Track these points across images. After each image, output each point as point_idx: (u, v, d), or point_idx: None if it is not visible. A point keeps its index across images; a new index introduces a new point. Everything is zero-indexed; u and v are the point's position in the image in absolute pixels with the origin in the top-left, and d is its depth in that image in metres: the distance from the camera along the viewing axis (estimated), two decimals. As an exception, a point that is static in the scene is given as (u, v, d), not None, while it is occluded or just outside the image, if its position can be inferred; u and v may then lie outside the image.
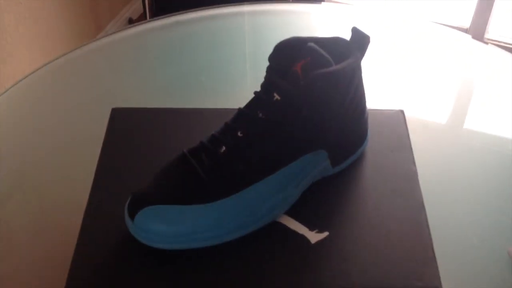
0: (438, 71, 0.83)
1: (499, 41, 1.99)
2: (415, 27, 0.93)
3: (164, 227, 0.49)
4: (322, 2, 1.06)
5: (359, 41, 0.54)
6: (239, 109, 0.53)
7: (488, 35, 2.01)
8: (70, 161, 0.67)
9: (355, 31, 0.55)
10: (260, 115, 0.51)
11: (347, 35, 0.55)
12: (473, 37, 0.91)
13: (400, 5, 2.21)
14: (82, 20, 1.87)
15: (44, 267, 0.52)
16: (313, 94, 0.51)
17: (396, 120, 0.63)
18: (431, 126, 0.73)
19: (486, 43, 0.91)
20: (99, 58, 0.87)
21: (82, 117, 0.74)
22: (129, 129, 0.62)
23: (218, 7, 0.96)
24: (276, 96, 0.51)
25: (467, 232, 0.60)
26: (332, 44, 0.54)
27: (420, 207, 0.55)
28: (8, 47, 1.53)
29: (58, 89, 0.81)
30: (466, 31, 2.00)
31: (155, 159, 0.57)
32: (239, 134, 0.51)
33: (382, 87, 0.79)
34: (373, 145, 0.61)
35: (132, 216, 0.50)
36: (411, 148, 0.60)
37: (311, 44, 0.51)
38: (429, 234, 0.52)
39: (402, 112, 0.65)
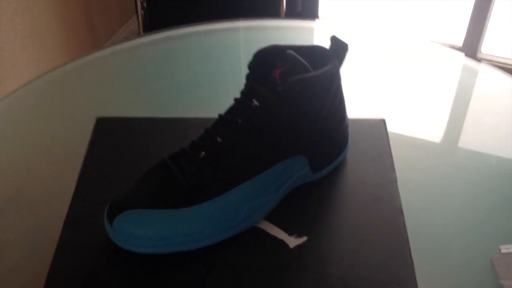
0: (428, 86, 0.84)
1: (492, 61, 2.01)
2: (407, 44, 0.94)
3: (143, 231, 0.49)
4: (316, 19, 1.08)
5: (338, 49, 0.55)
6: (219, 115, 0.54)
7: (480, 54, 2.03)
8: (63, 173, 0.67)
9: (334, 39, 0.56)
10: (240, 121, 0.52)
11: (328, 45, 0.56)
12: (466, 55, 0.92)
13: (393, 24, 2.24)
14: (79, 40, 1.89)
15: (40, 283, 0.52)
16: (291, 100, 0.51)
17: (378, 129, 0.64)
18: (416, 137, 0.74)
19: (479, 61, 0.92)
20: (91, 72, 0.88)
21: (74, 130, 0.75)
22: (113, 138, 0.63)
23: (212, 22, 0.97)
24: (255, 102, 0.52)
25: (448, 239, 0.60)
26: (311, 52, 0.55)
27: (398, 213, 0.55)
28: (5, 66, 1.55)
29: (50, 102, 0.82)
30: (459, 50, 2.02)
31: (138, 167, 0.57)
32: (218, 139, 0.52)
33: (372, 102, 0.80)
34: (354, 153, 0.61)
35: (111, 221, 0.50)
36: (391, 156, 0.61)
37: (290, 51, 0.52)
38: (407, 239, 0.53)
39: (383, 121, 0.65)
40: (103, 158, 0.61)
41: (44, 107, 0.81)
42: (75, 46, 1.86)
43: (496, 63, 1.99)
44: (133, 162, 0.60)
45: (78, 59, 0.90)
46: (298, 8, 1.84)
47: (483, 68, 0.89)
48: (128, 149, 0.62)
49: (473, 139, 0.74)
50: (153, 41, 0.94)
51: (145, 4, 1.32)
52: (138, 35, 0.98)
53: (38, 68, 1.68)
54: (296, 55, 0.52)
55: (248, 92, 0.53)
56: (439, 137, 0.75)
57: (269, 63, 0.53)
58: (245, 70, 0.54)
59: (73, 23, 1.83)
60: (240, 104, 0.53)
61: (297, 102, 0.52)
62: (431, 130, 0.75)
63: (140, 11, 1.31)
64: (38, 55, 1.68)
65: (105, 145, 0.62)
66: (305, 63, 0.52)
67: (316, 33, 1.00)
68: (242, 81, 0.54)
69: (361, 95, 0.81)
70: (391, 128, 0.67)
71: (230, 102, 0.55)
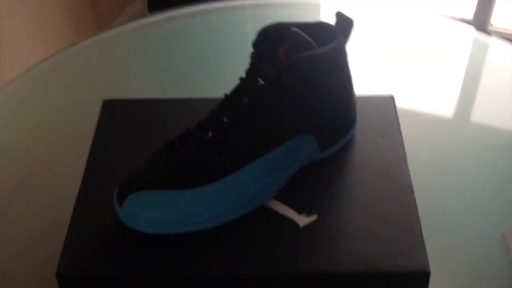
0: (438, 61, 0.83)
1: (503, 33, 1.98)
2: (418, 18, 0.93)
3: (152, 212, 0.50)
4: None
5: (343, 25, 0.54)
6: (225, 95, 0.53)
7: (491, 27, 2.00)
8: (72, 156, 0.67)
9: (339, 15, 0.55)
10: (245, 100, 0.52)
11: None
12: (476, 29, 0.90)
13: (407, 4, 2.21)
14: (84, 24, 1.88)
15: (53, 264, 0.53)
16: (296, 78, 0.51)
17: (386, 105, 0.64)
18: (426, 112, 0.73)
19: (489, 34, 0.90)
20: (96, 54, 0.88)
21: (81, 112, 0.75)
22: (120, 120, 0.63)
23: (218, 0, 0.96)
24: (260, 81, 0.52)
25: (458, 214, 0.60)
26: (316, 29, 0.54)
27: (408, 189, 0.55)
28: (10, 50, 1.55)
29: (56, 85, 0.82)
30: (469, 23, 1.99)
31: (145, 148, 0.57)
32: (225, 119, 0.52)
33: (381, 78, 0.79)
34: (362, 130, 0.61)
35: (120, 202, 0.50)
36: (400, 132, 0.60)
37: (294, 28, 0.51)
38: (417, 215, 0.53)
39: (392, 97, 0.65)
40: (111, 140, 0.61)
41: (50, 91, 0.81)
42: (79, 29, 1.85)
43: (508, 36, 1.96)
44: (140, 144, 0.60)
45: (83, 41, 0.90)
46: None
47: (493, 42, 0.88)
48: (136, 131, 0.62)
49: (483, 113, 0.73)
50: (158, 21, 0.94)
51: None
52: (143, 15, 0.97)
53: (42, 53, 1.68)
54: (301, 32, 0.51)
55: (253, 71, 0.52)
56: (449, 112, 0.74)
57: (273, 41, 0.52)
58: (248, 50, 0.54)
59: (77, 6, 1.83)
60: (245, 84, 0.52)
61: (302, 80, 0.51)
62: (441, 106, 0.74)
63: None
64: (42, 38, 1.68)
65: (113, 127, 0.62)
66: (310, 40, 0.51)
67: (324, 10, 0.98)
68: (247, 62, 0.54)
69: (370, 72, 0.80)
70: (400, 104, 0.66)
71: (237, 82, 0.55)
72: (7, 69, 1.55)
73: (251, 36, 0.88)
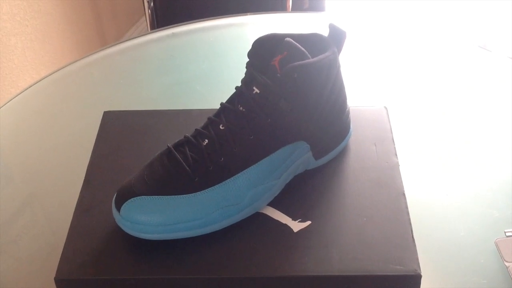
0: (432, 72, 0.84)
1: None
2: (411, 29, 0.94)
3: (149, 217, 0.51)
4: (323, 13, 1.08)
5: (336, 36, 0.56)
6: (221, 103, 0.55)
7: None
8: (75, 169, 0.68)
9: (332, 27, 0.57)
10: (241, 108, 0.53)
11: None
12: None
13: (402, 17, 2.23)
14: (88, 42, 1.91)
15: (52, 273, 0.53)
16: (290, 86, 0.52)
17: (380, 116, 0.65)
18: (419, 123, 0.75)
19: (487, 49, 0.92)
20: (99, 69, 0.90)
21: (84, 126, 0.76)
22: (119, 130, 0.65)
23: (218, 18, 0.99)
24: (256, 90, 0.53)
25: (452, 222, 0.61)
26: (309, 40, 0.56)
27: (400, 195, 0.56)
28: (16, 69, 1.58)
29: (59, 100, 0.84)
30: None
31: (144, 157, 0.58)
32: (221, 127, 0.53)
33: (377, 91, 0.81)
34: (357, 139, 0.62)
35: (118, 207, 0.51)
36: (393, 141, 0.62)
37: (288, 39, 0.53)
38: (409, 221, 0.53)
39: (385, 108, 0.66)
40: (110, 149, 0.62)
41: (53, 106, 0.82)
42: (84, 49, 1.88)
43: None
44: (139, 152, 0.61)
45: (86, 57, 0.92)
46: (305, 5, 1.84)
47: (488, 53, 0.89)
48: (135, 140, 0.63)
49: (476, 123, 0.74)
50: (160, 38, 0.96)
51: (152, 4, 1.33)
52: (145, 32, 1.00)
53: (48, 72, 1.70)
54: (295, 43, 0.53)
55: (248, 80, 0.54)
56: (441, 122, 0.75)
57: (268, 51, 0.54)
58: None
59: (82, 27, 1.86)
60: (241, 92, 0.54)
61: (296, 88, 0.53)
62: (433, 116, 0.76)
63: (147, 12, 1.33)
64: (48, 59, 1.71)
65: (112, 137, 0.64)
66: (304, 50, 0.53)
67: (323, 27, 1.00)
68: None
69: (365, 83, 0.81)
70: (394, 116, 0.67)
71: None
72: (13, 87, 1.57)
73: (246, 51, 0.90)
